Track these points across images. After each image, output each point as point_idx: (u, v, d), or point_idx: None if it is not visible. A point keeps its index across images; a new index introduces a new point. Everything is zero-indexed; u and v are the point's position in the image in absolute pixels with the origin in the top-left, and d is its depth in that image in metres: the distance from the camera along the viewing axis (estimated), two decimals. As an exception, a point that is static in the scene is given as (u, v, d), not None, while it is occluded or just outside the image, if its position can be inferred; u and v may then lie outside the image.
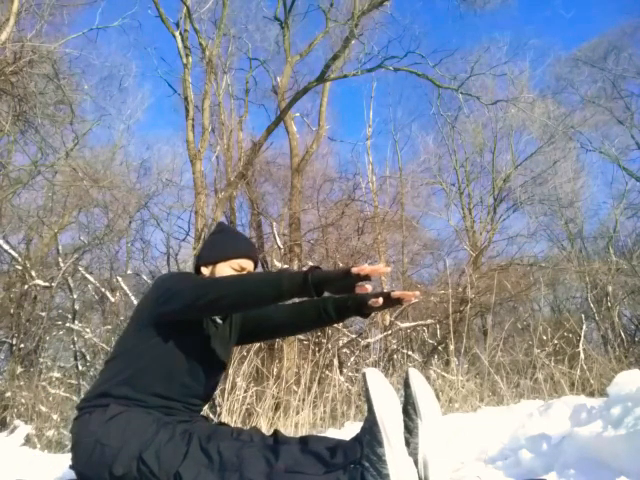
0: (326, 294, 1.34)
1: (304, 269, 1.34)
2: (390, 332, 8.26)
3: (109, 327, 9.04)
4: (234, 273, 1.63)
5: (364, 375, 1.26)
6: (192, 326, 1.55)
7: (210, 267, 1.67)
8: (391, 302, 1.54)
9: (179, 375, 1.55)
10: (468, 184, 14.29)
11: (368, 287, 1.32)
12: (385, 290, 1.59)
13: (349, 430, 2.75)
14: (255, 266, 1.73)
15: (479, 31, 28.54)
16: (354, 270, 1.28)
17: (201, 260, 1.71)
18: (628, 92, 13.69)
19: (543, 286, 9.22)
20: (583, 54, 14.47)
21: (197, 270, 1.70)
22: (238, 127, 12.00)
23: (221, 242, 1.72)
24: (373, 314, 1.78)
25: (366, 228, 9.64)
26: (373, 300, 1.50)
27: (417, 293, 1.54)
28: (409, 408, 1.29)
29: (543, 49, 21.42)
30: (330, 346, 6.83)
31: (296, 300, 1.61)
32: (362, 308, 1.58)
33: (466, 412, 3.52)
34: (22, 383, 6.58)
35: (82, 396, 1.59)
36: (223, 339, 1.69)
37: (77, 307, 9.41)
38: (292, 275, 1.34)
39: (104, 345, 8.24)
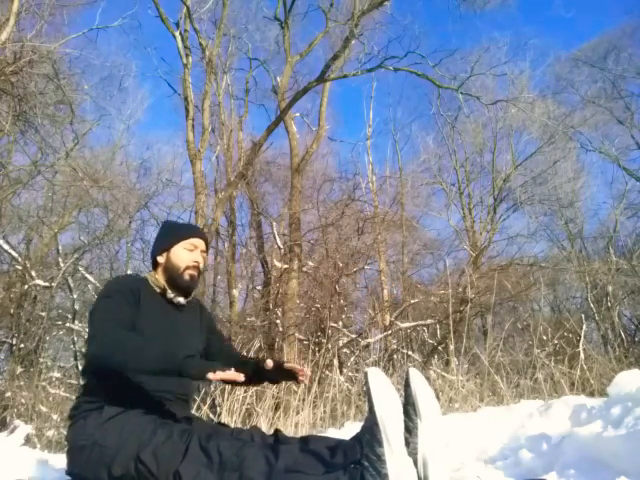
0: None
1: (187, 364, 1.37)
2: (390, 332, 8.27)
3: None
4: (188, 253, 1.76)
5: (366, 374, 1.26)
6: (145, 320, 1.61)
7: (165, 254, 1.77)
8: (287, 375, 1.71)
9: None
10: (468, 184, 14.30)
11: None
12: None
13: (349, 430, 2.74)
14: (206, 244, 1.85)
15: (479, 31, 28.64)
16: (209, 376, 1.33)
17: (155, 252, 1.80)
18: (628, 92, 13.69)
19: (543, 286, 9.21)
20: (583, 54, 14.46)
21: (154, 263, 1.80)
22: (238, 127, 12.02)
23: (168, 230, 1.87)
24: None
25: (366, 228, 9.64)
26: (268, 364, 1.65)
27: (307, 373, 1.70)
28: (409, 408, 1.29)
29: (543, 49, 21.47)
30: (330, 346, 6.83)
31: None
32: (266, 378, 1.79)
33: (466, 412, 3.51)
34: (22, 383, 6.58)
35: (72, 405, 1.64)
36: (192, 326, 1.79)
37: (77, 307, 9.42)
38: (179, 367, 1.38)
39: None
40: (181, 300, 1.74)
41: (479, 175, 14.42)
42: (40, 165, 8.32)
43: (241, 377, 1.35)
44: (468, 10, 10.83)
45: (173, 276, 1.73)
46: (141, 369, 1.45)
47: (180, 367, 1.37)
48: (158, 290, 1.74)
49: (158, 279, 1.75)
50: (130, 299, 1.61)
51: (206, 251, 1.84)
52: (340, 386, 4.89)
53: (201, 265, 1.79)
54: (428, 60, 8.93)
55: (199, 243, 1.80)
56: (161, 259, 1.77)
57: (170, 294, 1.73)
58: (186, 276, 1.73)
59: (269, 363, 1.62)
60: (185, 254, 1.75)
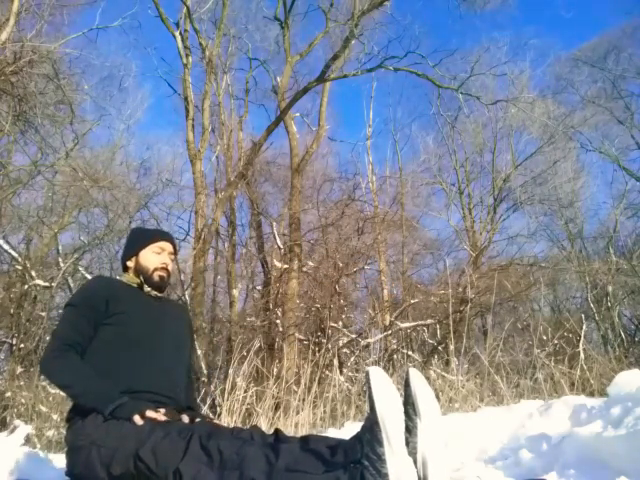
0: None
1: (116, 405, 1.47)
2: (390, 332, 8.27)
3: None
4: (156, 255, 1.85)
5: (367, 373, 1.25)
6: (126, 309, 1.70)
7: (134, 259, 1.87)
8: None
9: (130, 366, 1.62)
10: (468, 184, 14.30)
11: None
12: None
13: (349, 430, 2.74)
14: (174, 246, 1.93)
15: (479, 31, 28.64)
16: (135, 419, 1.43)
17: (125, 257, 1.90)
18: (628, 92, 13.69)
19: (543, 286, 9.22)
20: (583, 54, 14.46)
21: (125, 267, 1.89)
22: (238, 127, 12.01)
23: (136, 235, 1.96)
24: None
25: (366, 228, 9.64)
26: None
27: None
28: (408, 408, 1.29)
29: (543, 49, 21.41)
30: (330, 346, 6.84)
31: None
32: None
33: (466, 412, 3.51)
34: (22, 383, 6.57)
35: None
36: (177, 318, 1.88)
37: (77, 307, 9.39)
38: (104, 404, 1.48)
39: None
40: (157, 293, 1.85)
41: (479, 175, 14.45)
42: (40, 165, 8.31)
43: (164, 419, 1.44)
44: (468, 10, 10.82)
45: (144, 277, 1.83)
46: (79, 399, 1.55)
47: (110, 410, 1.45)
48: (135, 286, 1.83)
49: (133, 277, 1.86)
50: (99, 306, 1.68)
51: (174, 253, 1.92)
52: (340, 386, 4.89)
53: (169, 267, 1.88)
54: (428, 60, 8.93)
55: (166, 246, 1.89)
56: (130, 263, 1.87)
57: (147, 288, 1.83)
58: (155, 277, 1.83)
59: (185, 418, 1.58)
60: (153, 257, 1.85)
